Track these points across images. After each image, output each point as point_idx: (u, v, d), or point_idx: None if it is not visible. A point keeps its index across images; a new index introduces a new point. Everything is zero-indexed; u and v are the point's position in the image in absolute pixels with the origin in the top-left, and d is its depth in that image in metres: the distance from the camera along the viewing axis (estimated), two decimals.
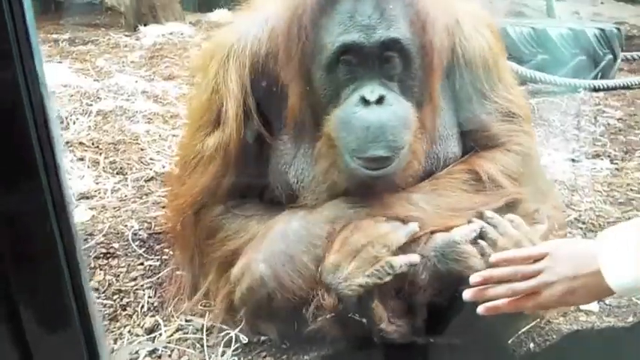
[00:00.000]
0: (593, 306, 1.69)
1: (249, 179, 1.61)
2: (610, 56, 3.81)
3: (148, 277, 1.84)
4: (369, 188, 1.44)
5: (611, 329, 1.59)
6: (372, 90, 1.35)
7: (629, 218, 2.21)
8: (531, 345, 1.56)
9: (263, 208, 1.58)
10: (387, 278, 1.32)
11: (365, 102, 1.35)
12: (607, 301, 1.72)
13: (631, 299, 1.72)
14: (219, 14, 6.26)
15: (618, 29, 3.91)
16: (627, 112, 3.46)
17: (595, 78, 3.78)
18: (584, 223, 2.16)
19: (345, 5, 1.36)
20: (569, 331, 1.59)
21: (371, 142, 1.33)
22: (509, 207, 1.51)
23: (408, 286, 1.40)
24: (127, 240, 2.01)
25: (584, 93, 3.69)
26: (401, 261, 1.35)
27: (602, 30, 3.81)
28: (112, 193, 2.34)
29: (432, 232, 1.42)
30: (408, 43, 1.37)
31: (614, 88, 3.76)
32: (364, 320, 1.33)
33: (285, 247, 1.41)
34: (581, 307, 1.68)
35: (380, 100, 1.34)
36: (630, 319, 1.65)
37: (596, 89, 3.71)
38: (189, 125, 1.75)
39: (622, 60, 4.13)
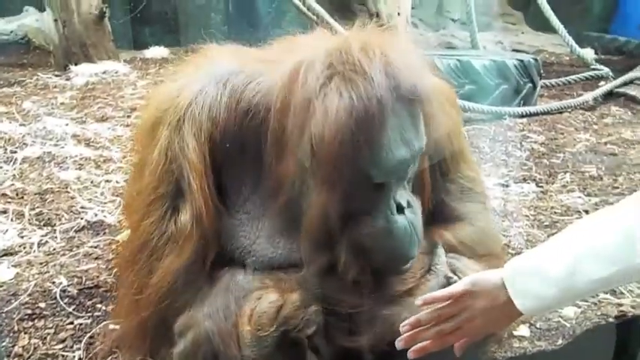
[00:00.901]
0: (525, 331, 1.75)
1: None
2: (530, 84, 4.08)
3: (78, 337, 1.74)
4: None
5: (542, 353, 1.66)
6: (401, 195, 1.40)
7: None
8: None
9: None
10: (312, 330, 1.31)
11: (400, 209, 1.38)
12: (537, 325, 1.79)
13: (559, 321, 1.80)
14: (155, 51, 6.20)
15: (535, 59, 4.19)
16: (549, 137, 3.69)
17: (518, 105, 4.02)
18: (513, 248, 2.25)
19: (393, 120, 1.30)
20: (504, 359, 1.64)
21: (411, 248, 1.41)
22: None
23: None
24: (55, 298, 1.89)
25: (510, 120, 3.91)
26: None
27: (521, 61, 4.07)
28: (38, 247, 2.22)
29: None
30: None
31: (536, 114, 4.01)
32: None
33: (227, 302, 1.37)
34: (514, 332, 1.75)
35: (408, 205, 1.40)
36: (560, 341, 1.72)
37: (520, 116, 3.94)
38: (140, 198, 1.53)
39: (542, 87, 4.42)
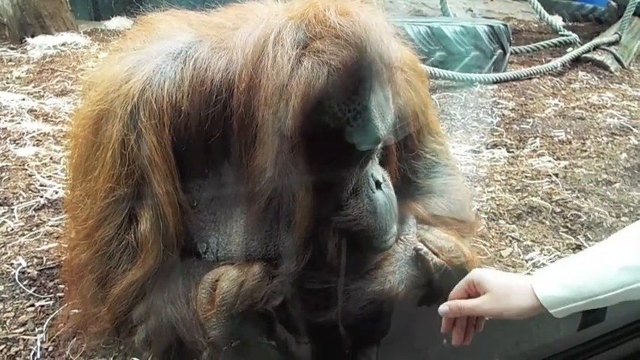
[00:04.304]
0: None
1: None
2: (500, 51, 4.06)
3: (39, 320, 1.66)
4: None
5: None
6: (377, 171, 1.35)
7: (526, 204, 2.35)
8: (444, 341, 1.59)
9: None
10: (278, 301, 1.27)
11: (378, 185, 1.34)
12: None
13: None
14: (117, 22, 5.93)
15: (505, 25, 4.17)
16: (519, 103, 3.70)
17: (488, 72, 4.00)
18: (486, 213, 2.25)
19: (373, 99, 1.21)
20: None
21: (391, 222, 1.36)
22: None
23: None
24: (14, 280, 1.80)
25: (480, 86, 3.90)
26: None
27: (492, 27, 4.04)
28: None
29: None
30: None
31: (506, 80, 4.01)
32: (273, 343, 1.28)
33: (187, 289, 1.30)
34: None
35: (383, 179, 1.36)
36: None
37: (490, 82, 3.93)
38: (91, 201, 1.34)
39: (511, 53, 4.41)
